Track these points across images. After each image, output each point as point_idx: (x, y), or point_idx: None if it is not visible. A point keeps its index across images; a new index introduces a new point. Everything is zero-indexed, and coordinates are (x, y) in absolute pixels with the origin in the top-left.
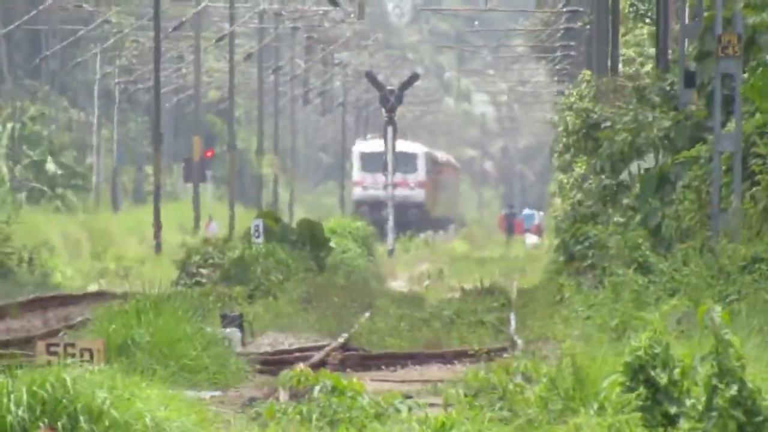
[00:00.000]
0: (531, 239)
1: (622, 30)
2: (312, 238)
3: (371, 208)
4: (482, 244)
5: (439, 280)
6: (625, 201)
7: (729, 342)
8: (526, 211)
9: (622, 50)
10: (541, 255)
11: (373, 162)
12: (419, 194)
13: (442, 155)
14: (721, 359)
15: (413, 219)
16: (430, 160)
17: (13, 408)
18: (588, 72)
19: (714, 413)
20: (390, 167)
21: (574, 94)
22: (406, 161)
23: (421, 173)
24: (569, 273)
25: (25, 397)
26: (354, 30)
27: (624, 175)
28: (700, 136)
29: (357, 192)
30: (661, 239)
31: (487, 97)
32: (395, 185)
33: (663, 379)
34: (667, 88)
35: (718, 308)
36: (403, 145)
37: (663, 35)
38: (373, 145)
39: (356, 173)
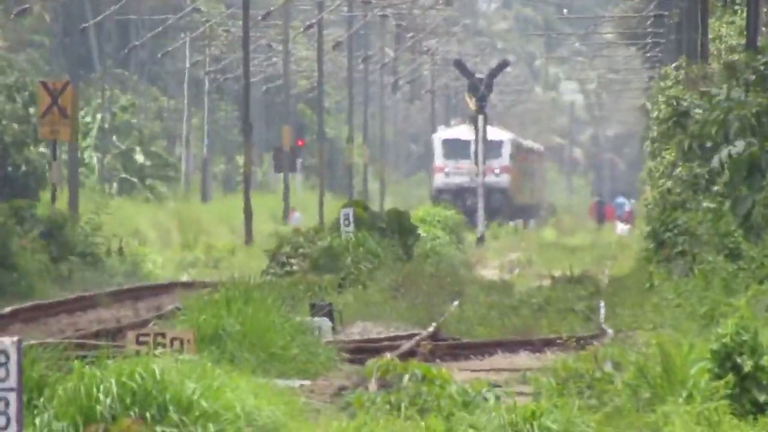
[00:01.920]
0: (621, 227)
1: (712, 18)
2: (400, 227)
3: (453, 196)
4: (572, 231)
5: (529, 267)
6: (715, 188)
7: None
8: (619, 200)
9: (715, 35)
10: (631, 243)
11: (455, 148)
12: (504, 180)
13: (527, 141)
14: None
15: (497, 206)
16: (514, 146)
17: (102, 398)
18: (683, 58)
19: None
20: (480, 156)
21: (671, 76)
22: (490, 147)
23: (505, 159)
24: (659, 260)
25: (114, 387)
26: (443, 17)
27: (714, 162)
28: None
29: (438, 179)
30: (751, 226)
31: (576, 85)
32: (478, 173)
33: (749, 365)
34: (761, 67)
35: None
36: (488, 131)
37: (753, 20)
38: (455, 131)
39: (438, 160)
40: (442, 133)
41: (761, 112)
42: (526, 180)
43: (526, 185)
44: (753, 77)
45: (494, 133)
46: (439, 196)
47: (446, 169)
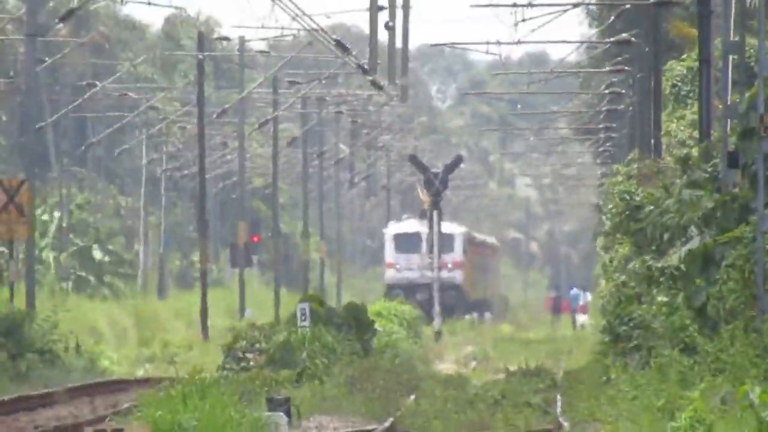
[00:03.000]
0: (581, 317)
1: (664, 113)
2: (357, 322)
3: (405, 291)
4: (528, 325)
5: (485, 362)
6: (669, 282)
7: None
8: (572, 291)
9: (666, 130)
10: (587, 336)
11: (406, 243)
12: (457, 276)
13: (480, 235)
14: None
15: (451, 302)
16: (467, 240)
17: None
18: (635, 153)
19: None
20: (435, 250)
21: (622, 172)
22: (442, 242)
23: (458, 254)
24: (615, 354)
25: None
26: (397, 114)
27: (673, 259)
28: (745, 217)
29: (390, 275)
30: (706, 319)
31: (531, 180)
32: (430, 266)
33: None
34: (710, 169)
35: (758, 388)
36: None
37: (706, 116)
38: (405, 225)
39: (389, 255)
40: (393, 228)
41: (718, 207)
42: (479, 274)
43: (480, 280)
44: (705, 176)
45: (446, 227)
46: (390, 291)
47: (397, 265)
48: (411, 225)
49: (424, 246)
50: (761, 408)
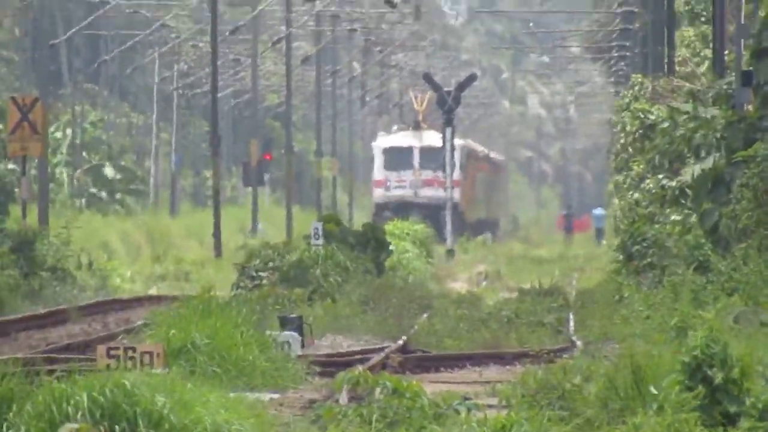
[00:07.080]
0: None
1: (677, 32)
2: (374, 242)
3: (395, 212)
4: (540, 244)
5: (498, 280)
6: (682, 201)
7: None
8: (597, 211)
9: (678, 51)
10: (599, 255)
11: (397, 158)
12: (453, 194)
13: (483, 149)
14: None
15: (446, 222)
16: (466, 155)
17: (71, 412)
18: (639, 75)
19: None
20: (449, 169)
21: (628, 95)
22: (437, 157)
23: (455, 170)
24: (628, 273)
25: (84, 401)
26: (410, 32)
27: (686, 176)
28: (754, 137)
29: (378, 193)
30: (719, 239)
31: (543, 99)
32: (424, 183)
33: (719, 377)
34: (725, 87)
35: None
36: (434, 138)
37: (719, 35)
38: (396, 138)
39: (377, 171)
40: (382, 141)
41: (725, 127)
42: (480, 193)
43: (481, 199)
44: (720, 94)
45: (441, 140)
46: (380, 212)
47: (387, 182)
48: (403, 138)
49: (416, 161)
50: None
